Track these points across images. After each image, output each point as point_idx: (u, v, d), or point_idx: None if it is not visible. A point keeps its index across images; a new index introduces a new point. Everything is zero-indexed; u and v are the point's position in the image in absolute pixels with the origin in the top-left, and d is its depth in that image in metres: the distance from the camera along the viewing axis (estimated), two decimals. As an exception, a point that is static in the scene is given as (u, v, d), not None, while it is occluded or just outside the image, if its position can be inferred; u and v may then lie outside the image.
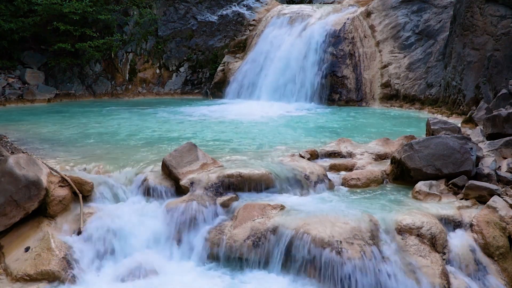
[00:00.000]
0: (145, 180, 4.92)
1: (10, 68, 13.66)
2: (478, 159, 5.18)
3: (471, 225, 4.14)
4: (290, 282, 3.84)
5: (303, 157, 5.77)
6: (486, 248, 4.00)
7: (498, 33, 9.25)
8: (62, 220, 4.39)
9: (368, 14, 13.91)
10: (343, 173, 5.51)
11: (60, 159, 5.75)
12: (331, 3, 16.49)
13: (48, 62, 13.98)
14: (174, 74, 15.90)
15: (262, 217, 4.22)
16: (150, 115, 10.79)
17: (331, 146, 6.32)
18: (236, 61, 15.25)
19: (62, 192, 4.47)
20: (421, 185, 4.75)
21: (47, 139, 7.31)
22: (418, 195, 4.66)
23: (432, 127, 6.30)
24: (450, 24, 11.42)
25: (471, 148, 4.96)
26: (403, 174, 5.18)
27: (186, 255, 4.29)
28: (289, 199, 4.74)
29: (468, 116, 8.25)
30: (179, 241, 4.37)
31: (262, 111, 11.22)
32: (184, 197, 4.64)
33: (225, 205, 4.59)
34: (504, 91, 7.57)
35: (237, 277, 3.98)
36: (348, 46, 13.50)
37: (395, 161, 5.32)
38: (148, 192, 4.84)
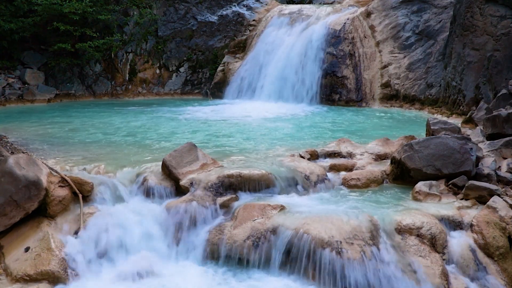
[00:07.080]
0: (145, 180, 4.92)
1: (10, 68, 13.65)
2: (478, 159, 5.18)
3: (471, 225, 4.14)
4: (290, 282, 3.84)
5: (303, 157, 5.77)
6: (486, 248, 4.00)
7: (498, 33, 9.25)
8: (62, 220, 4.39)
9: (368, 14, 13.91)
10: (343, 173, 5.51)
11: (60, 159, 5.75)
12: (331, 3, 16.49)
13: (48, 62, 13.97)
14: (174, 74, 15.89)
15: (262, 217, 4.22)
16: (150, 115, 10.78)
17: (331, 147, 6.32)
18: (236, 61, 15.24)
19: (62, 192, 4.47)
20: (421, 185, 4.75)
21: (47, 139, 7.31)
22: (418, 195, 4.66)
23: (432, 127, 6.31)
24: (450, 24, 11.42)
25: (471, 148, 4.96)
26: (403, 174, 5.18)
27: (185, 255, 4.29)
28: (289, 199, 4.74)
29: (468, 116, 8.25)
30: (179, 241, 4.37)
31: (262, 112, 11.21)
32: (184, 197, 4.64)
33: (225, 205, 4.59)
34: (504, 91, 7.57)
35: (237, 277, 3.97)
36: (348, 46, 13.50)
37: (395, 161, 5.32)
38: (148, 192, 4.84)
